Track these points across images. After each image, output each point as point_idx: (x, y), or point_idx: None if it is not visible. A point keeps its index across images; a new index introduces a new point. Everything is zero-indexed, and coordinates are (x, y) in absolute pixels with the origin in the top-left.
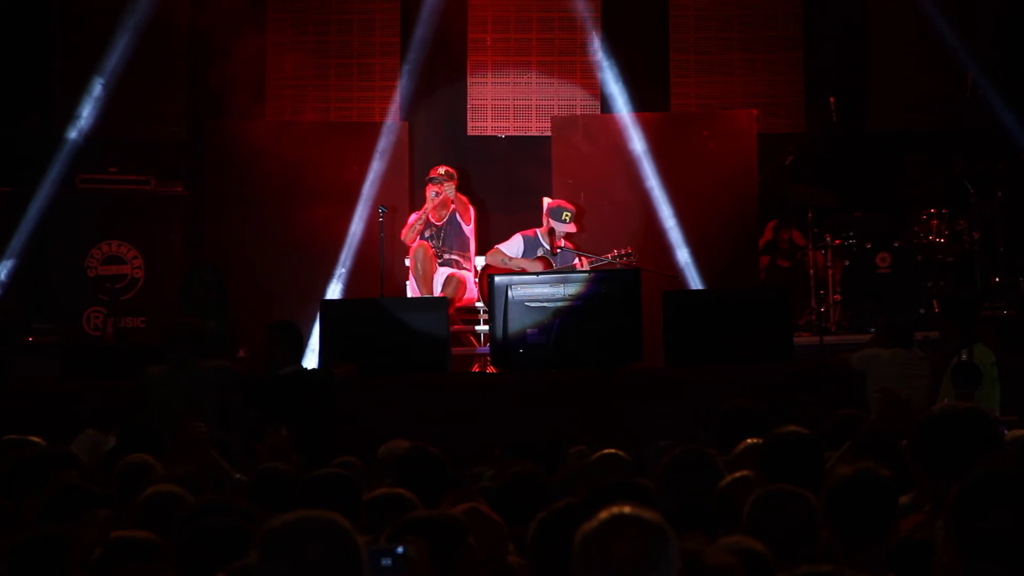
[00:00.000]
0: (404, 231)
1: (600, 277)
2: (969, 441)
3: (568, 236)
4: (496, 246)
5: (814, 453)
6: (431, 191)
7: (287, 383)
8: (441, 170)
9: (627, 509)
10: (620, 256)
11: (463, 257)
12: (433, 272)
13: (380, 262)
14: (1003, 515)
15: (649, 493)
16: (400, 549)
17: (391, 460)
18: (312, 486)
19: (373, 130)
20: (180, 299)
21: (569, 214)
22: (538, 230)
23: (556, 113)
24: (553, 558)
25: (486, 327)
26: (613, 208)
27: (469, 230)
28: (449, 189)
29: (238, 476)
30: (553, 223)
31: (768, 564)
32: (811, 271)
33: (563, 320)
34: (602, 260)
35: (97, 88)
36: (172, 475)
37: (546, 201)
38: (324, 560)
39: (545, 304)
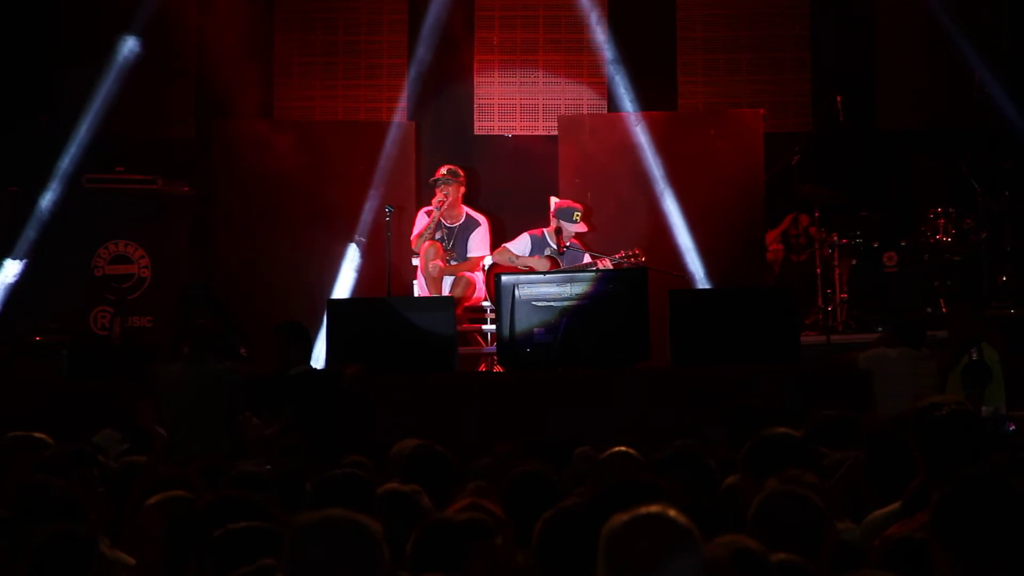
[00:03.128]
0: (414, 239)
1: (607, 276)
2: (972, 441)
3: (578, 235)
4: (503, 244)
5: (802, 455)
6: (438, 196)
7: (296, 383)
8: (444, 170)
9: (654, 508)
10: (627, 257)
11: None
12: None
13: (387, 261)
14: (987, 517)
15: (662, 491)
16: None
17: (402, 459)
18: (326, 486)
19: (380, 129)
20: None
21: (579, 213)
22: (545, 229)
23: (563, 112)
24: (559, 557)
25: (493, 326)
26: (620, 207)
27: (478, 246)
28: (454, 190)
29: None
30: (563, 224)
31: (762, 561)
32: (818, 270)
33: (570, 319)
34: (612, 260)
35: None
36: (166, 477)
37: (553, 200)
38: (349, 559)
39: (552, 303)
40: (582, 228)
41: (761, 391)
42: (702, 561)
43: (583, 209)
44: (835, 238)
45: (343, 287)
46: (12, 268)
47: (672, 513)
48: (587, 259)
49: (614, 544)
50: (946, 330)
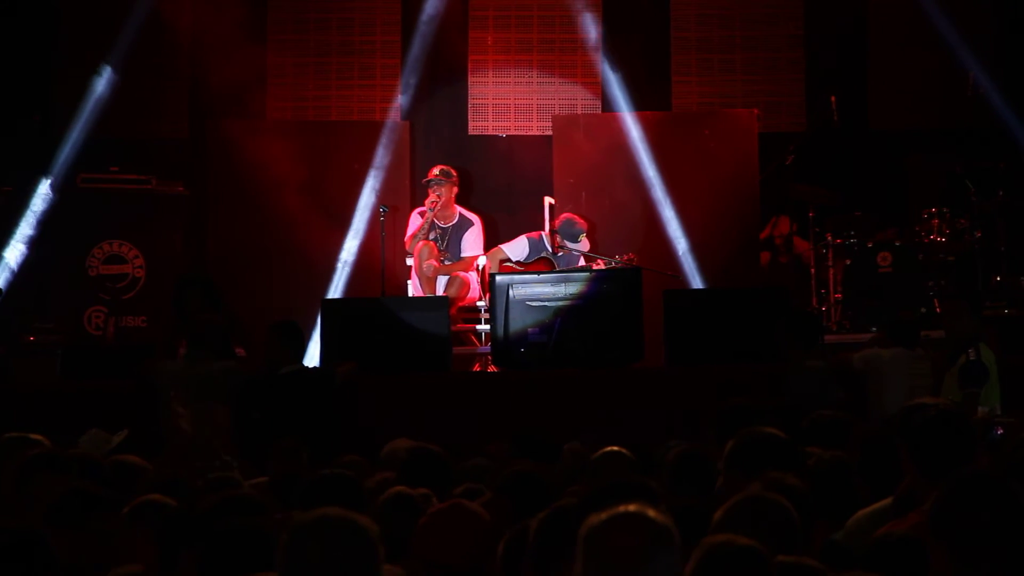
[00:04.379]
0: (408, 240)
1: (601, 276)
2: (959, 442)
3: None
4: (499, 246)
5: (787, 454)
6: (431, 197)
7: (288, 382)
8: (436, 171)
9: (632, 507)
10: (619, 262)
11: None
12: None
13: (381, 261)
14: (985, 516)
15: (653, 492)
16: None
17: (394, 459)
18: (316, 485)
19: (374, 129)
20: (174, 311)
21: (583, 235)
22: (543, 232)
23: (557, 112)
24: (556, 557)
25: (487, 326)
26: (614, 207)
27: (471, 245)
28: (447, 190)
29: (228, 458)
30: (567, 242)
31: (763, 562)
32: (812, 270)
33: (564, 319)
34: (609, 262)
35: (103, 78)
36: (163, 478)
37: (547, 200)
38: (345, 559)
39: (546, 303)
40: (584, 247)
41: (795, 389)
42: (680, 559)
43: (587, 228)
44: (829, 238)
45: (337, 287)
46: (14, 252)
47: (651, 512)
48: (582, 260)
49: (592, 543)
50: (941, 329)
